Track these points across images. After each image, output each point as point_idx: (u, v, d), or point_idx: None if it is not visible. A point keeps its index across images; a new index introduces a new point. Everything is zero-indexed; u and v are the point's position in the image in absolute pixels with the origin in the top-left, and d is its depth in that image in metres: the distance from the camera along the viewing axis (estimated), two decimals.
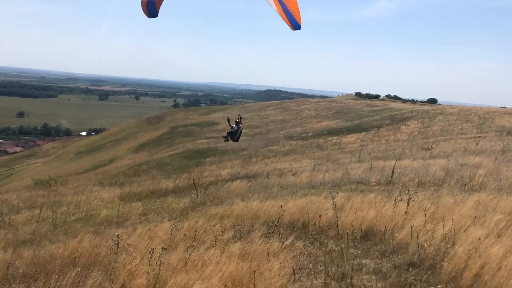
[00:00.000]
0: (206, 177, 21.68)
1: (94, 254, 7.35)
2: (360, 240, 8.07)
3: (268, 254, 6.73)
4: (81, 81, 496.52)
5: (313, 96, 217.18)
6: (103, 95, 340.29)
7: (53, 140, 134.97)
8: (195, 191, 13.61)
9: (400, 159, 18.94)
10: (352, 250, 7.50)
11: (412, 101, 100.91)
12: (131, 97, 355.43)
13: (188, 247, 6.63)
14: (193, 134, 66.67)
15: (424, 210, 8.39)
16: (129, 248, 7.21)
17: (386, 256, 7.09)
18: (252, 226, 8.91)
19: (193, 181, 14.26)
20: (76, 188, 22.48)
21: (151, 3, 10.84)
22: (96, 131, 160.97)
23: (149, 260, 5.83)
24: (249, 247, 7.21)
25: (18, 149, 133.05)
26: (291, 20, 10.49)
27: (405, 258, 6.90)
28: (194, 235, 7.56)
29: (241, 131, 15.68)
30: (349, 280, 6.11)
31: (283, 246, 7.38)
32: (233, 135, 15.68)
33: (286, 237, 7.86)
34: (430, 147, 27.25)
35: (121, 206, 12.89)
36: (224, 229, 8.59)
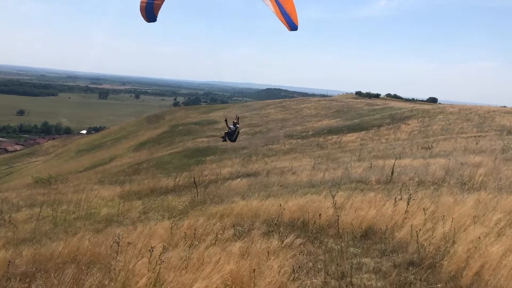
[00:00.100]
0: (206, 176, 21.68)
1: (94, 253, 7.36)
2: (360, 239, 8.07)
3: (268, 252, 6.73)
4: (81, 80, 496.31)
5: (313, 95, 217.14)
6: (103, 94, 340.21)
7: (53, 139, 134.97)
8: (195, 189, 13.62)
9: (400, 158, 18.95)
10: (352, 249, 7.50)
11: (413, 100, 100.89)
12: (131, 96, 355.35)
13: (189, 246, 6.63)
14: (193, 132, 66.65)
15: (424, 209, 8.39)
16: (129, 247, 7.22)
17: (386, 255, 7.10)
18: (252, 225, 8.91)
19: (194, 180, 14.26)
20: (76, 186, 22.49)
21: (150, 8, 10.87)
22: (96, 130, 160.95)
23: (149, 259, 5.84)
24: (249, 245, 7.22)
25: (18, 147, 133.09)
26: (288, 21, 10.56)
27: (405, 257, 6.90)
28: (194, 234, 7.57)
29: (238, 131, 15.93)
30: (349, 279, 6.12)
31: (283, 245, 7.39)
32: (231, 135, 15.94)
33: (286, 235, 7.87)
34: (430, 146, 27.25)
35: (121, 204, 12.89)
36: (224, 228, 8.59)
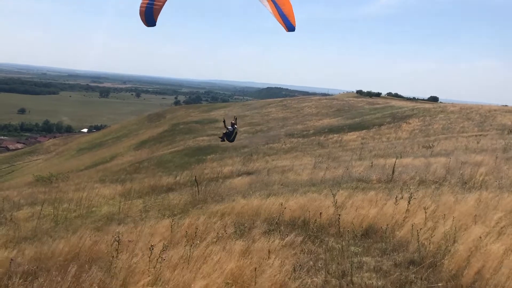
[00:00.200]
0: (207, 174, 21.69)
1: (95, 251, 7.38)
2: (361, 238, 8.07)
3: (269, 251, 6.73)
4: (82, 78, 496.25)
5: (314, 94, 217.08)
6: (104, 92, 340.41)
7: (54, 137, 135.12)
8: (196, 188, 13.62)
9: (401, 157, 18.95)
10: (352, 248, 7.50)
11: (414, 99, 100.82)
12: (132, 94, 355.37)
13: (190, 244, 6.64)
14: (194, 131, 66.67)
15: (425, 208, 8.39)
16: (130, 245, 7.23)
17: (387, 254, 7.10)
18: (253, 224, 8.92)
19: (195, 179, 14.29)
20: (77, 185, 22.50)
21: (150, 12, 10.90)
22: (97, 128, 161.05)
23: (149, 257, 5.84)
24: (250, 244, 7.22)
25: (19, 145, 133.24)
26: (286, 22, 10.69)
27: (405, 256, 6.90)
28: (195, 232, 7.57)
29: (236, 132, 16.31)
30: (349, 278, 6.12)
31: (283, 244, 7.39)
32: (229, 135, 16.35)
33: (287, 234, 7.87)
34: (431, 145, 27.24)
35: (122, 203, 12.91)
36: (225, 226, 8.60)
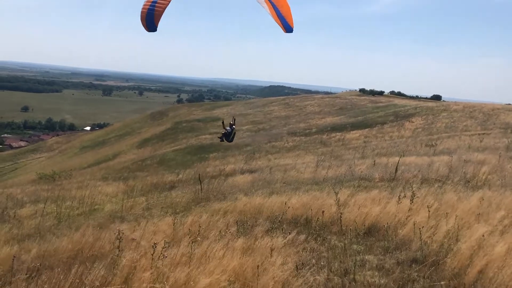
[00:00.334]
0: (209, 173, 21.71)
1: (98, 248, 7.40)
2: (363, 236, 8.07)
3: (272, 249, 6.73)
4: (85, 76, 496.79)
5: (316, 92, 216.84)
6: (107, 90, 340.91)
7: (57, 135, 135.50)
8: (199, 186, 13.64)
9: (403, 156, 18.92)
10: (355, 246, 7.50)
11: (416, 98, 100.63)
12: (134, 92, 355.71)
13: (192, 242, 6.64)
14: (196, 129, 66.73)
15: (428, 207, 8.37)
16: (133, 242, 7.25)
17: (389, 252, 7.09)
18: (255, 222, 8.92)
19: (199, 177, 14.33)
20: (80, 182, 22.58)
21: (151, 17, 10.93)
22: (100, 126, 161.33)
23: (152, 255, 5.85)
24: (252, 242, 7.23)
25: (22, 143, 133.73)
26: (284, 23, 10.78)
27: (408, 254, 6.89)
28: (198, 230, 7.58)
29: (234, 132, 16.76)
30: (352, 276, 6.12)
31: (286, 242, 7.39)
32: (228, 136, 16.78)
33: (289, 232, 7.87)
34: (434, 144, 27.19)
35: (125, 200, 12.94)
36: (228, 224, 8.60)
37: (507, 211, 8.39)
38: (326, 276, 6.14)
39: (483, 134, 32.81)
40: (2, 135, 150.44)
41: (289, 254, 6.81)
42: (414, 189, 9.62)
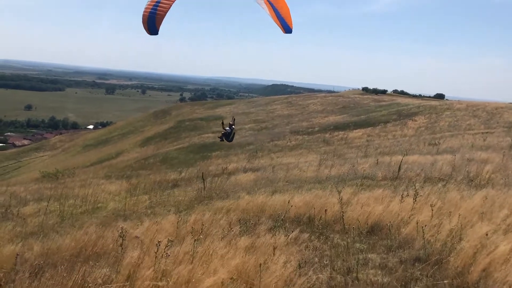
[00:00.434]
0: (212, 171, 21.73)
1: (101, 246, 7.41)
2: (366, 234, 8.06)
3: (274, 247, 6.73)
4: (88, 75, 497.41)
5: (319, 91, 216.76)
6: (110, 89, 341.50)
7: (60, 133, 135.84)
8: (202, 184, 13.65)
9: (406, 155, 18.88)
10: (358, 245, 7.49)
11: (420, 96, 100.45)
12: (137, 91, 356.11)
13: (195, 240, 6.65)
14: (199, 128, 66.79)
15: (431, 205, 8.35)
16: (136, 240, 7.26)
17: (392, 251, 7.08)
18: (258, 220, 8.92)
19: (202, 175, 14.37)
20: (83, 181, 22.62)
21: (152, 21, 10.96)
22: (103, 125, 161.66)
23: (155, 253, 5.86)
24: (255, 240, 7.23)
25: (26, 142, 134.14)
26: (283, 24, 10.85)
27: (411, 253, 6.88)
28: (201, 229, 7.59)
29: (234, 132, 17.00)
30: (355, 275, 6.11)
31: (288, 240, 7.39)
32: (227, 136, 16.99)
33: (292, 231, 7.87)
34: (437, 143, 27.12)
35: (128, 199, 12.96)
36: (230, 223, 8.61)
37: (511, 210, 8.36)
38: (329, 275, 6.14)
39: (487, 133, 32.69)
40: (5, 134, 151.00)
41: (291, 252, 6.81)
42: (417, 188, 9.60)
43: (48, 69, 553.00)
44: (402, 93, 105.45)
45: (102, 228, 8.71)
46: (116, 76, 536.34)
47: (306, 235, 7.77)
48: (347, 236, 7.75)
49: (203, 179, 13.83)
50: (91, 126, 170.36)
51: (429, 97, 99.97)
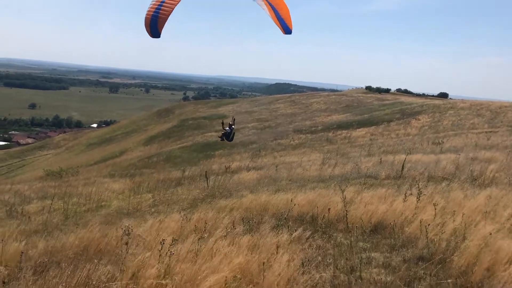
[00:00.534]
0: (215, 170, 21.76)
1: (105, 244, 7.44)
2: (370, 233, 8.05)
3: (277, 246, 6.74)
4: (92, 74, 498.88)
5: (322, 90, 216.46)
6: (114, 88, 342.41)
7: (64, 132, 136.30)
8: (205, 183, 13.67)
9: (410, 154, 18.83)
10: (361, 244, 7.49)
11: (423, 95, 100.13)
12: (141, 90, 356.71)
13: (198, 239, 6.67)
14: (202, 127, 66.82)
15: (434, 205, 8.33)
16: (140, 239, 7.29)
17: (396, 250, 7.07)
18: (261, 219, 8.92)
19: (206, 174, 14.41)
20: (87, 179, 22.71)
21: (154, 24, 10.98)
22: (107, 123, 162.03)
23: (159, 251, 5.88)
24: (258, 239, 7.24)
25: (30, 140, 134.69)
26: (283, 25, 10.88)
27: (414, 252, 6.87)
28: (205, 227, 7.61)
29: (234, 132, 17.18)
30: (358, 273, 6.11)
31: (292, 239, 7.39)
32: (228, 136, 17.16)
33: (295, 229, 7.87)
34: (440, 142, 27.07)
35: (132, 197, 13.00)
36: (234, 221, 8.61)
37: None
38: (332, 273, 6.14)
39: (491, 132, 32.58)
40: (10, 132, 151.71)
41: (295, 251, 6.81)
42: (420, 187, 9.58)
43: (52, 68, 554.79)
44: (406, 92, 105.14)
45: (106, 226, 8.75)
46: (120, 75, 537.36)
47: (309, 234, 7.76)
48: (350, 235, 7.75)
49: (207, 178, 13.85)
50: (94, 125, 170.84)
51: (433, 96, 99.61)
